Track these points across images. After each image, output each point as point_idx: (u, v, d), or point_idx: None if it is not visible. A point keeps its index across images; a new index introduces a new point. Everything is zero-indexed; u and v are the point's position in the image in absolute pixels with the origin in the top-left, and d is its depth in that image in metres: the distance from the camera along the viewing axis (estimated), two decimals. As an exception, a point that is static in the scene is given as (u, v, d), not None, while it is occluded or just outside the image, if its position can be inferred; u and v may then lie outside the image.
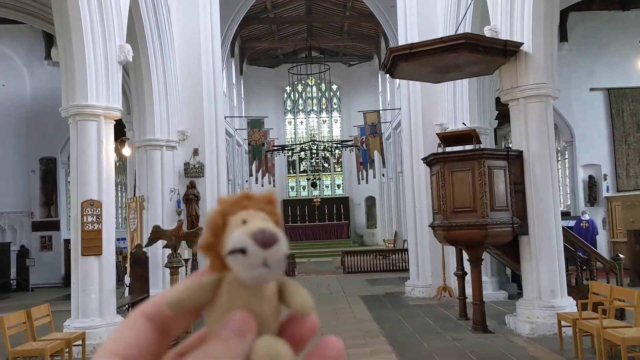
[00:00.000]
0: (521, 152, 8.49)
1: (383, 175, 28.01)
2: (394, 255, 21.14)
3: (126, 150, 9.53)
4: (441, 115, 12.48)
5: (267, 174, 25.73)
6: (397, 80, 24.27)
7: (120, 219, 22.14)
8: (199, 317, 0.46)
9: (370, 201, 32.00)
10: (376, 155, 24.70)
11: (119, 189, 24.39)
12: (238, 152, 26.06)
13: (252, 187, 28.12)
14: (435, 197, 8.70)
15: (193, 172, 12.25)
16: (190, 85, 12.53)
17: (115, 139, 17.75)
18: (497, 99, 13.63)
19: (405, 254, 19.99)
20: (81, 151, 8.46)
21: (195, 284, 0.44)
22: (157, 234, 8.40)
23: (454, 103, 12.14)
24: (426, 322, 9.55)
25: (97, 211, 8.42)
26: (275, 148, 22.56)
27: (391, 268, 19.70)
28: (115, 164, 21.37)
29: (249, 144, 22.76)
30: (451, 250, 12.11)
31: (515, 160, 8.48)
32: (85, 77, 8.38)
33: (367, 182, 27.29)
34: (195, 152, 12.38)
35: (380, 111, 23.81)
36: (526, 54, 8.46)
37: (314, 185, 29.03)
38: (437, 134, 9.07)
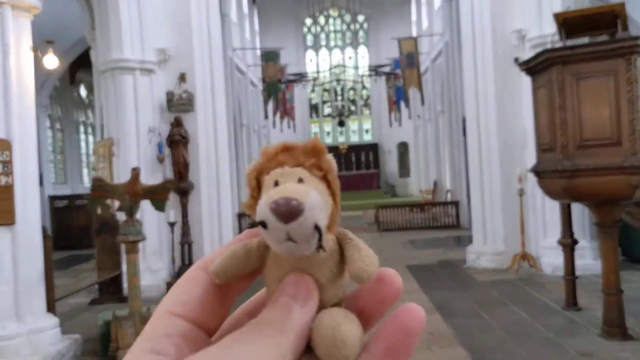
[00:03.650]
0: (690, 45, 5.07)
1: (418, 116, 24.53)
2: (435, 209, 17.96)
3: (50, 60, 6.39)
4: (520, 19, 9.00)
5: (286, 117, 22.47)
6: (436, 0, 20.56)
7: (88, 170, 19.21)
8: (258, 275, 0.39)
9: (403, 147, 28.61)
10: (411, 93, 21.23)
11: (88, 131, 21.35)
12: (253, 93, 22.74)
13: (270, 133, 24.91)
14: (545, 124, 5.38)
15: (179, 105, 9.05)
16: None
17: (83, 67, 14.49)
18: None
19: (450, 207, 16.78)
20: (-26, 61, 5.29)
21: (240, 249, 0.38)
22: (101, 190, 5.31)
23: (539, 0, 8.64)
24: (516, 315, 6.38)
25: (5, 156, 5.30)
26: (292, 78, 19.14)
27: (435, 224, 16.54)
28: (83, 98, 17.90)
29: (263, 81, 19.44)
30: (533, 205, 8.86)
31: (680, 60, 5.07)
32: (-29, -62, 5.13)
33: (400, 125, 23.90)
34: (182, 78, 9.14)
35: (418, 38, 20.12)
36: None
37: (341, 124, 25.58)
38: (556, 16, 5.64)
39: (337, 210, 0.37)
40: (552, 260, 8.49)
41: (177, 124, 8.98)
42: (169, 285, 8.71)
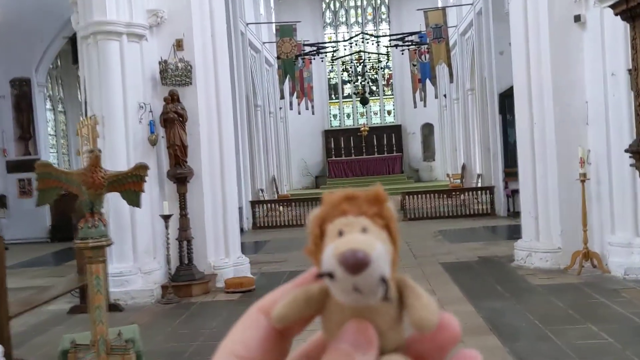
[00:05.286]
0: None
1: (445, 96, 22.91)
2: (464, 195, 16.51)
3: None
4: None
5: (303, 99, 21.04)
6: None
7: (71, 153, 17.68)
8: (315, 318, 0.40)
9: (427, 129, 27.01)
10: (438, 70, 19.69)
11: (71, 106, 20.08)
12: (268, 73, 21.34)
13: (287, 115, 23.53)
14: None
15: (175, 77, 7.68)
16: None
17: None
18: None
19: (483, 193, 15.27)
20: None
21: (302, 295, 0.39)
22: (48, 179, 3.99)
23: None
24: (598, 338, 4.94)
25: None
26: (310, 50, 17.66)
27: (466, 212, 15.07)
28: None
29: (278, 58, 18.03)
30: (598, 193, 7.41)
31: None
32: None
33: (425, 105, 22.35)
34: (178, 45, 7.76)
35: (447, 8, 18.49)
36: None
37: (363, 102, 24.03)
38: None
39: (396, 257, 0.37)
40: (622, 259, 7.03)
41: (173, 99, 7.62)
42: (164, 289, 7.41)
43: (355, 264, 0.34)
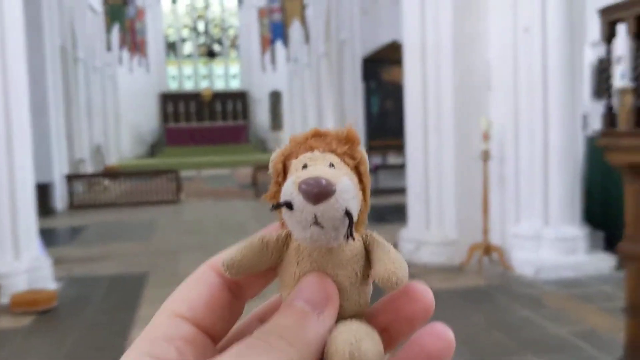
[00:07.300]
0: None
1: (296, 60, 21.31)
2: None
3: None
4: None
5: (136, 54, 18.22)
6: None
7: None
8: (274, 278, 0.36)
9: (275, 96, 25.33)
10: (291, 30, 18.00)
11: None
12: (94, 22, 18.07)
13: (117, 72, 20.43)
14: None
15: None
16: None
17: None
18: None
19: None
20: None
21: (256, 241, 0.35)
22: None
23: None
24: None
25: None
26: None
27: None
28: None
29: (104, 3, 15.06)
30: (500, 174, 6.18)
31: None
32: None
33: (274, 70, 20.65)
34: None
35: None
36: None
37: (210, 54, 21.62)
38: None
39: (365, 208, 0.34)
40: (528, 254, 5.87)
41: None
42: None
43: (317, 192, 0.30)
